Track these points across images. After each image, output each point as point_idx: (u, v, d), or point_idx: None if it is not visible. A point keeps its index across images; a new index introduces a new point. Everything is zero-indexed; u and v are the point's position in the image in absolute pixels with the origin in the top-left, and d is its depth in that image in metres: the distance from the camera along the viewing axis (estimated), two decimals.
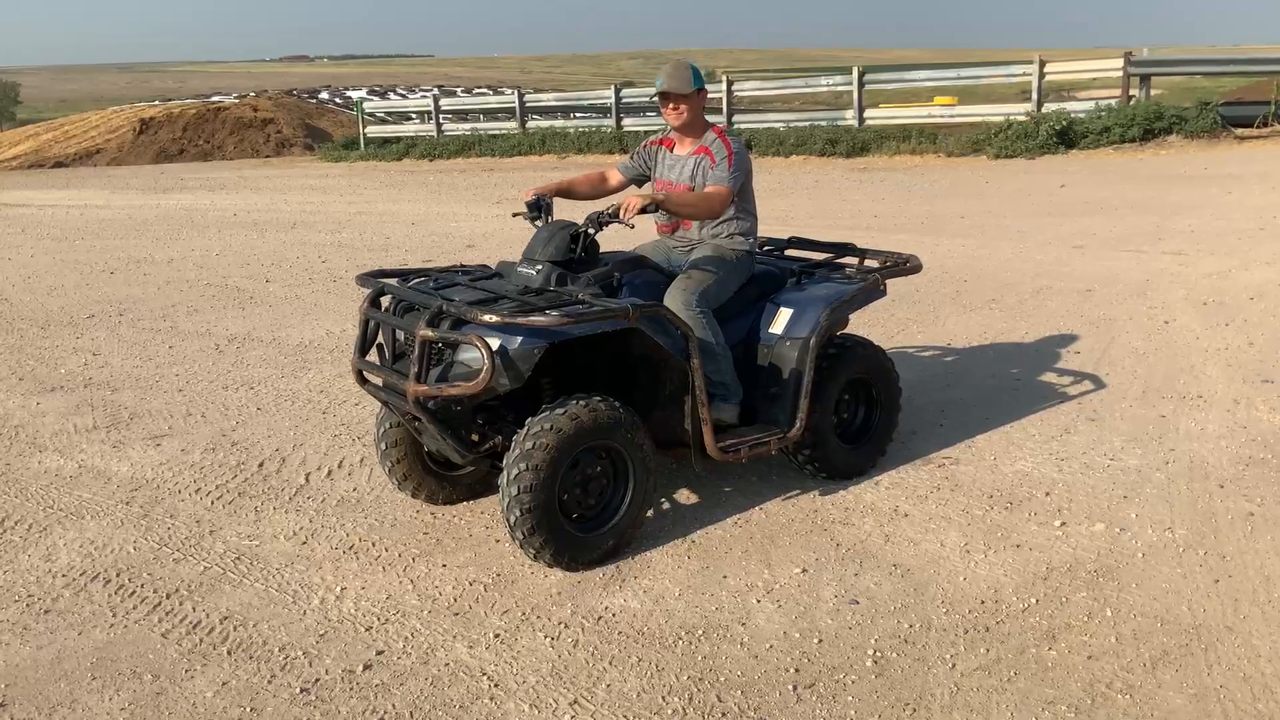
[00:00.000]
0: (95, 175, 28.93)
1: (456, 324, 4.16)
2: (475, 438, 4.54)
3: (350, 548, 4.65)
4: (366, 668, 3.74)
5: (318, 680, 3.67)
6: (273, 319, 9.14)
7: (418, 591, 4.25)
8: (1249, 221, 11.67)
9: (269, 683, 3.66)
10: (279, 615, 4.10)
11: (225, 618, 4.10)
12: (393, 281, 4.63)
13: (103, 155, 33.54)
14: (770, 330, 4.93)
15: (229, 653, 3.85)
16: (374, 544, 4.67)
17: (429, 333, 4.10)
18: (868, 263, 5.55)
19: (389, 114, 35.50)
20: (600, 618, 4.00)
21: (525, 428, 4.14)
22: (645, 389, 4.62)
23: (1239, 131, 19.25)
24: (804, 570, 4.28)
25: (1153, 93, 20.73)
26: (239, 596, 4.24)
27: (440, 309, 4.15)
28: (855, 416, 5.24)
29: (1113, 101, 20.19)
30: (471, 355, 4.17)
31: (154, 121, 34.88)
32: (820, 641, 3.78)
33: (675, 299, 4.65)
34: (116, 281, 11.31)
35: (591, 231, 4.57)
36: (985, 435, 5.71)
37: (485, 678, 3.65)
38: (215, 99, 41.72)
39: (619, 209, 4.50)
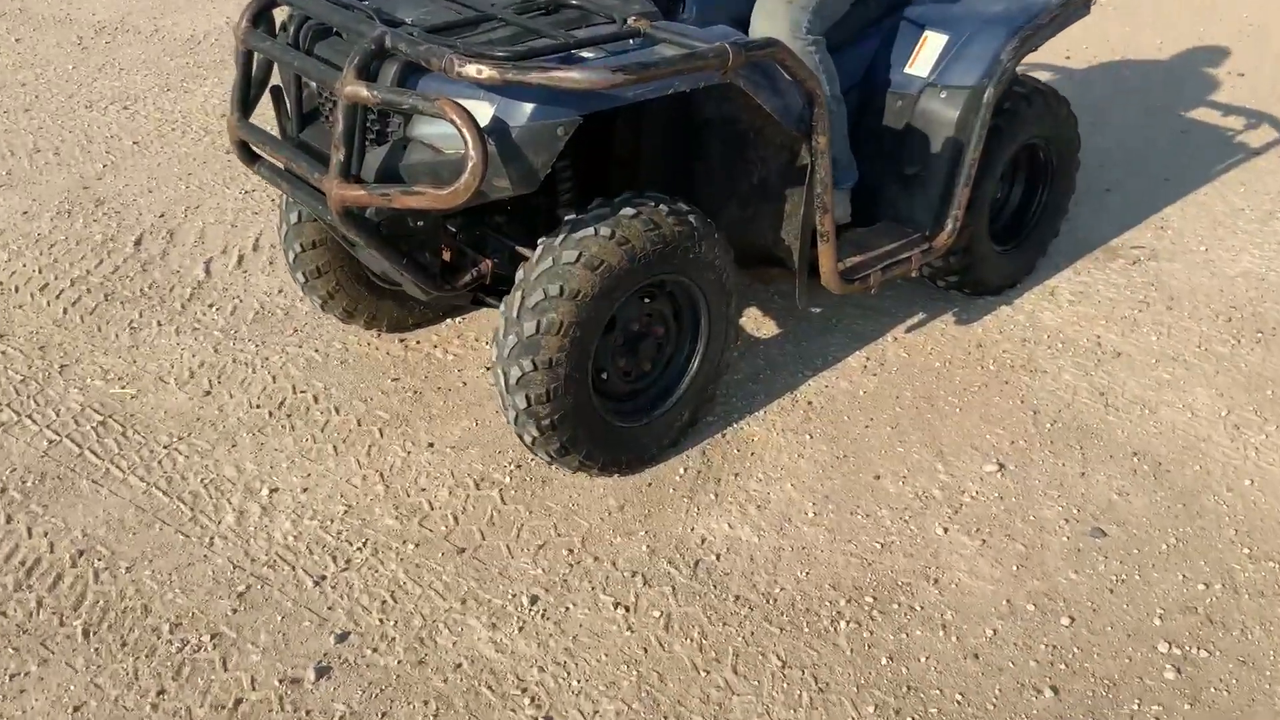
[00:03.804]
0: None
1: (408, 72, 2.31)
2: (446, 257, 2.77)
3: (280, 404, 3.00)
4: (322, 673, 2.21)
5: (238, 702, 2.14)
6: None
7: (394, 498, 2.66)
8: None
9: (153, 710, 2.12)
10: (168, 547, 2.51)
11: (81, 552, 2.50)
12: None
13: None
14: (908, 70, 3.10)
15: (85, 632, 2.29)
16: (316, 399, 3.02)
17: (364, 91, 2.25)
18: None
19: None
20: (698, 563, 2.47)
21: (517, 298, 2.43)
22: (719, 176, 2.86)
23: None
24: (1000, 467, 2.75)
25: None
26: (103, 505, 2.63)
27: (381, 43, 2.28)
28: (1008, 200, 3.52)
29: None
30: (440, 131, 2.33)
31: None
32: (1072, 622, 2.31)
33: (776, 18, 2.81)
34: None
35: None
36: (1176, 209, 4.07)
37: (527, 698, 2.15)
38: None
39: None
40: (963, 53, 3.02)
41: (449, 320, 3.34)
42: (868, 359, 3.17)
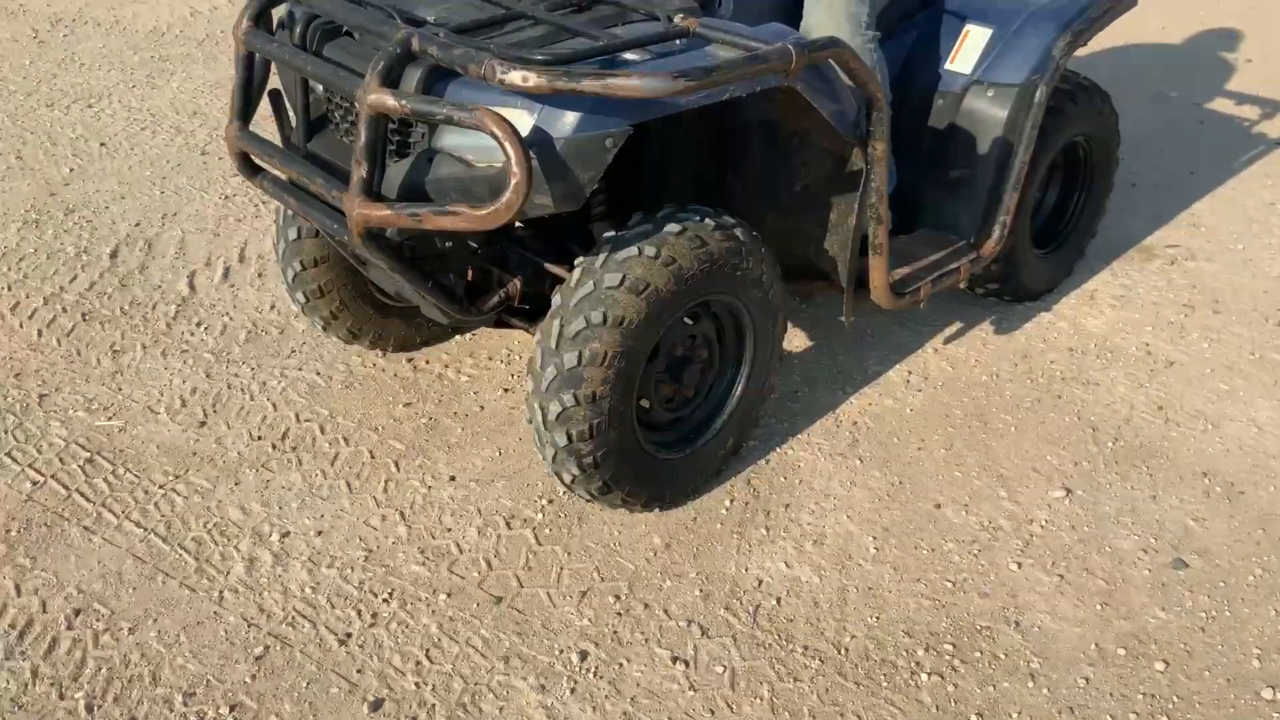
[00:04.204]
0: None
1: (434, 77, 2.08)
2: (469, 276, 2.57)
3: (284, 435, 2.77)
4: None
5: None
6: None
7: (418, 541, 2.45)
8: None
9: None
10: (173, 603, 2.28)
11: (77, 611, 2.26)
12: None
13: None
14: (949, 67, 2.91)
15: (88, 706, 2.07)
16: (322, 428, 2.79)
17: (390, 100, 2.01)
18: None
19: None
20: (758, 609, 2.28)
21: (555, 327, 2.21)
22: (757, 183, 2.65)
23: None
24: (1067, 492, 2.58)
25: None
26: (98, 555, 2.39)
27: (407, 46, 2.04)
28: (1043, 201, 3.33)
29: None
30: (471, 142, 2.11)
31: None
32: (1167, 667, 2.14)
33: (834, 11, 2.61)
34: None
35: None
36: (1205, 204, 3.93)
37: None
38: None
39: None
40: (1010, 48, 2.84)
41: (458, 337, 3.12)
42: (909, 373, 3.00)
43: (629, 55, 2.10)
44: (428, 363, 3.02)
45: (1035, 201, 3.26)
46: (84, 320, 3.21)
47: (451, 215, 2.04)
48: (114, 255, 3.55)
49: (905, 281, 2.73)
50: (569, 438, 2.23)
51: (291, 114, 2.48)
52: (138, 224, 3.75)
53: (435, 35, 2.07)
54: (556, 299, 2.25)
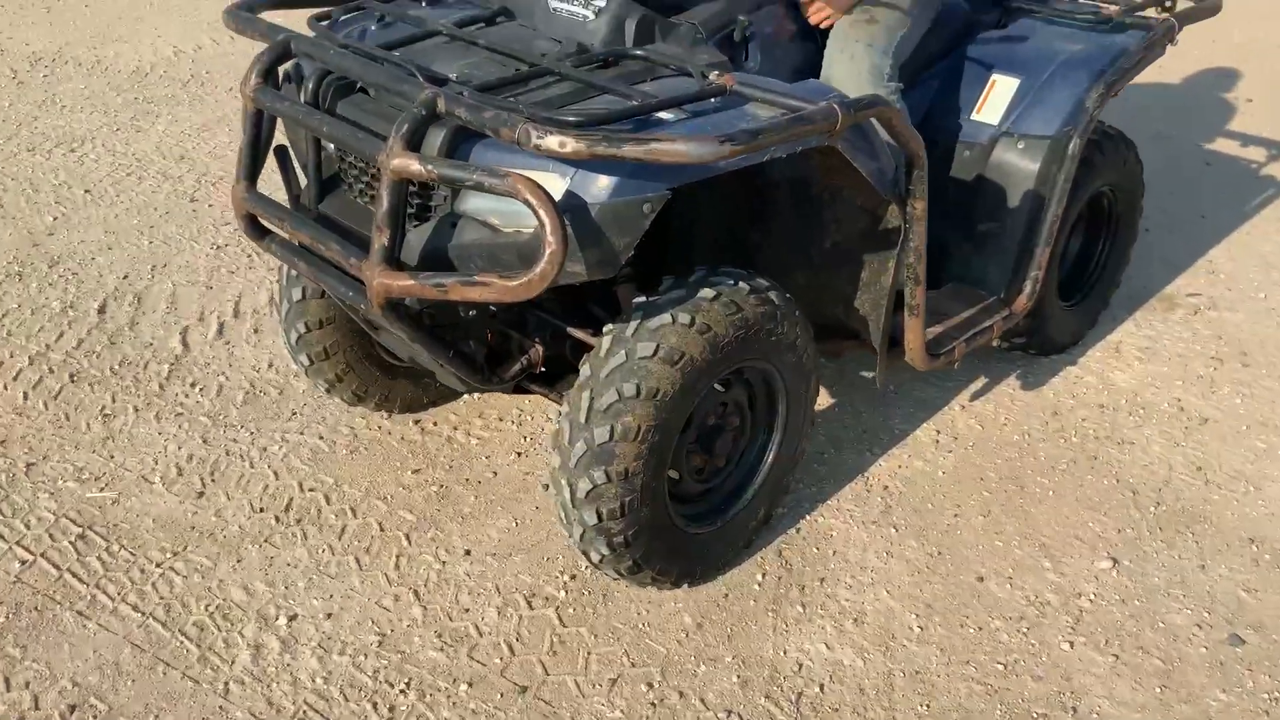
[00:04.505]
0: None
1: (459, 139, 1.96)
2: (489, 342, 2.46)
3: (287, 506, 2.63)
4: None
5: None
6: (94, 25, 6.42)
7: (434, 623, 2.31)
8: None
9: None
10: (175, 696, 2.13)
11: (72, 707, 2.11)
12: (312, 35, 2.29)
13: None
14: (975, 118, 2.82)
15: None
16: (328, 498, 2.65)
17: (415, 165, 1.89)
18: None
19: None
20: (800, 696, 2.15)
21: (584, 400, 2.09)
22: (786, 241, 2.55)
23: None
24: (1113, 562, 2.47)
25: None
26: (93, 643, 2.23)
27: (432, 107, 1.92)
28: (1067, 251, 3.23)
29: None
30: (495, 206, 2.00)
31: None
32: None
33: (857, 62, 2.52)
34: None
35: None
36: (1221, 250, 3.86)
37: None
38: None
39: None
40: (1040, 98, 2.75)
41: (465, 397, 2.99)
42: (938, 432, 2.89)
43: (663, 114, 2.00)
44: (435, 424, 2.89)
45: (1060, 252, 3.18)
46: (72, 381, 3.06)
47: (481, 286, 1.92)
48: (102, 310, 3.40)
49: (939, 341, 2.63)
50: (599, 516, 2.11)
51: (300, 173, 2.36)
52: (126, 276, 3.60)
53: (461, 95, 1.96)
54: (585, 370, 2.13)
